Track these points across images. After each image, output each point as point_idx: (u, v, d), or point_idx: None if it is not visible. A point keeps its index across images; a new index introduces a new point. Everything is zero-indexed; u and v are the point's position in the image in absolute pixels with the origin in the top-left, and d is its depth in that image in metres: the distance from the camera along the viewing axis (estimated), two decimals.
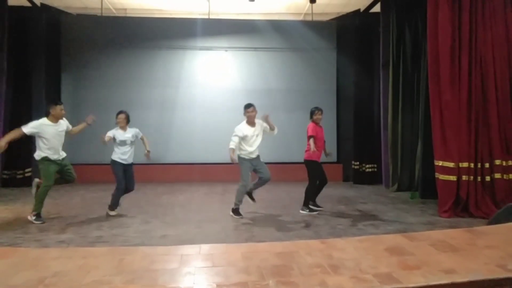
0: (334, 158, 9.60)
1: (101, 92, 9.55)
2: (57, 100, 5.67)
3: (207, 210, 6.27)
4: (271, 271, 2.39)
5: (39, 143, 5.49)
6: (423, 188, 7.12)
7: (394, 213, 5.99)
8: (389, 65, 8.39)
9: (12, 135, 5.42)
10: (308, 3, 9.37)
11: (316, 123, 6.08)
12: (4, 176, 8.47)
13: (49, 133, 5.47)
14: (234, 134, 5.85)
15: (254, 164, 5.91)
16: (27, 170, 8.70)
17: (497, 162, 5.76)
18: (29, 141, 8.81)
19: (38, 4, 9.10)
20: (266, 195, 7.70)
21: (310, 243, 3.09)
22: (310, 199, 6.12)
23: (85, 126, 5.90)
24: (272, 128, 5.99)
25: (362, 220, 5.55)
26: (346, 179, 9.81)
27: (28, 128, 5.41)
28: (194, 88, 9.96)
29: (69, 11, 9.72)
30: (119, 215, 5.73)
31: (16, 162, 8.62)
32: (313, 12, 9.81)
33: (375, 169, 9.33)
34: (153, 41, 9.86)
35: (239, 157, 5.86)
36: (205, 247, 2.93)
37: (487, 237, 3.09)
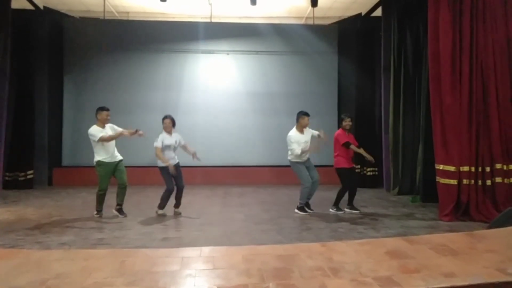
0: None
1: (103, 95, 9.58)
2: (103, 106, 5.88)
3: (208, 213, 6.28)
4: (272, 273, 2.40)
5: (97, 148, 5.72)
6: (424, 191, 7.12)
7: (394, 217, 5.99)
8: (390, 69, 8.41)
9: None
10: (310, 7, 9.40)
11: (345, 129, 6.25)
12: (6, 178, 8.49)
13: (106, 133, 5.69)
14: (291, 142, 6.13)
15: (306, 165, 6.22)
16: (29, 172, 8.74)
17: (498, 166, 5.76)
18: (30, 144, 8.88)
19: (41, 8, 9.16)
20: (268, 198, 7.71)
21: (311, 246, 3.10)
22: (340, 199, 6.28)
23: (126, 135, 5.93)
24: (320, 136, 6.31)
25: (362, 223, 5.55)
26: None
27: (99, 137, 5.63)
28: (196, 91, 9.99)
29: (71, 14, 9.77)
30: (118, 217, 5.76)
31: (18, 164, 8.66)
32: (315, 15, 9.84)
33: (376, 173, 9.32)
34: (155, 44, 9.90)
35: (292, 162, 6.16)
36: (206, 250, 2.95)
37: (487, 241, 3.09)
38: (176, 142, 6.01)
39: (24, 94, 8.80)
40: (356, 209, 6.31)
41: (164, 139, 5.88)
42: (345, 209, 6.29)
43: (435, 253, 2.79)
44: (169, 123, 5.97)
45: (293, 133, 6.21)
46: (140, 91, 9.78)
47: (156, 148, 5.82)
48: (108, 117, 5.87)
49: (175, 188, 5.98)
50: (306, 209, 6.23)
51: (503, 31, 5.89)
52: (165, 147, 5.88)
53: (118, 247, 4.31)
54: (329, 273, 2.40)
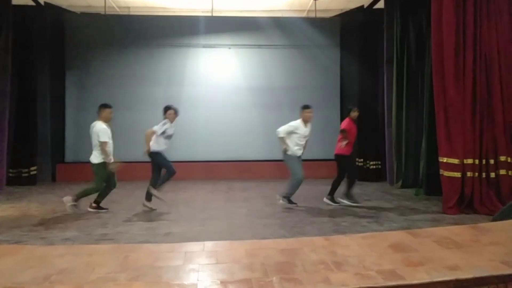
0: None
1: (105, 90, 9.57)
2: (107, 103, 5.89)
3: (211, 208, 6.29)
4: (275, 267, 2.39)
5: (98, 146, 5.69)
6: (427, 184, 7.09)
7: (398, 210, 5.98)
8: (393, 62, 8.35)
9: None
10: (311, 0, 9.34)
11: (353, 120, 6.37)
12: (10, 175, 8.52)
13: (108, 135, 5.76)
14: (288, 126, 6.17)
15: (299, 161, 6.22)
16: (32, 168, 8.76)
17: (502, 158, 5.73)
18: (33, 140, 8.90)
19: (42, 3, 9.13)
20: (270, 193, 7.70)
21: (314, 240, 3.09)
22: (334, 190, 6.34)
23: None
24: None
25: (366, 217, 5.54)
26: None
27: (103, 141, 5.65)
28: (198, 85, 9.96)
29: (72, 9, 9.74)
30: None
31: (22, 160, 8.67)
32: (317, 8, 9.76)
33: (379, 166, 9.30)
34: (156, 39, 9.87)
35: (287, 155, 6.14)
36: (209, 244, 2.94)
37: (491, 234, 3.08)
38: (174, 131, 6.12)
39: (26, 90, 8.80)
40: (357, 202, 6.29)
41: (167, 128, 5.96)
42: (340, 199, 6.31)
43: (439, 246, 2.78)
44: (174, 113, 6.05)
45: (295, 123, 6.22)
46: (142, 86, 9.77)
47: (151, 130, 5.89)
48: (111, 115, 5.87)
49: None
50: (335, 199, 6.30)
51: (507, 23, 5.83)
52: (167, 137, 5.98)
53: (122, 242, 4.32)
54: (332, 267, 2.39)
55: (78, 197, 5.78)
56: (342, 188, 6.39)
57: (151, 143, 5.95)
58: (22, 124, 8.73)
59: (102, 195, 5.95)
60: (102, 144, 5.64)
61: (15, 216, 5.66)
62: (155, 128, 5.93)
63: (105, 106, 5.85)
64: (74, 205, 5.73)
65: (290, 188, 6.17)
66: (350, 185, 6.33)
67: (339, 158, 6.31)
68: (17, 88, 8.64)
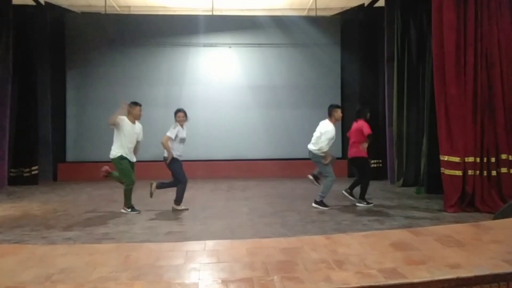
0: (339, 154, 9.58)
1: (105, 89, 9.59)
2: (136, 101, 5.85)
3: (212, 207, 6.29)
4: (276, 266, 2.39)
5: (118, 139, 5.62)
6: (428, 183, 7.08)
7: (399, 209, 5.98)
8: (394, 60, 8.34)
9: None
10: None
11: (367, 121, 6.30)
12: (11, 174, 8.54)
13: (127, 130, 5.65)
14: (325, 134, 5.87)
15: None
16: (33, 168, 8.77)
17: (503, 156, 5.71)
18: (34, 140, 8.91)
19: (43, 3, 9.14)
20: (271, 191, 7.71)
21: (315, 239, 3.09)
22: (365, 193, 6.24)
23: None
24: None
25: (367, 215, 5.54)
26: (351, 175, 9.75)
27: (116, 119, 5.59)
28: (198, 85, 9.97)
29: (73, 9, 9.75)
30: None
31: (23, 160, 8.69)
32: (317, 7, 9.76)
33: (381, 165, 9.30)
34: (157, 38, 9.87)
35: (319, 156, 5.96)
36: (210, 243, 2.95)
37: (493, 232, 3.07)
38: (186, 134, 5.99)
39: (27, 90, 8.81)
40: (355, 198, 6.28)
41: (179, 132, 5.83)
42: (343, 192, 6.28)
43: (441, 244, 2.77)
44: (183, 116, 5.92)
45: (330, 127, 5.93)
46: (143, 86, 9.76)
47: (167, 137, 5.74)
48: (141, 113, 5.83)
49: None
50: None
51: (508, 21, 5.81)
52: (181, 140, 5.85)
53: (123, 241, 4.32)
54: (333, 266, 2.39)
55: (127, 203, 5.74)
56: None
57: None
58: (23, 124, 8.75)
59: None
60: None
61: (16, 216, 5.66)
62: (169, 134, 5.78)
63: (135, 103, 5.79)
64: (133, 210, 5.72)
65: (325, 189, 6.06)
66: (357, 184, 6.27)
67: (360, 160, 6.20)
68: (18, 88, 8.65)
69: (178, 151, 5.84)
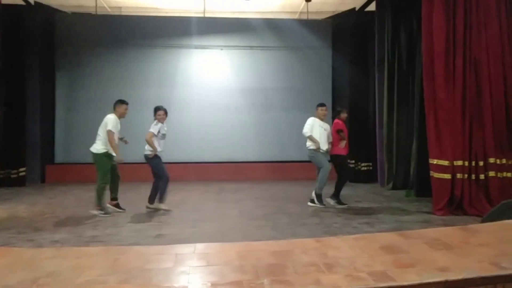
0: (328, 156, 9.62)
1: (96, 91, 9.51)
2: (123, 99, 5.91)
3: (203, 209, 6.26)
4: (266, 270, 2.38)
5: (104, 136, 5.58)
6: (418, 186, 7.15)
7: (389, 212, 6.01)
8: (384, 64, 8.41)
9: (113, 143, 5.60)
10: (304, 2, 9.38)
11: (342, 121, 6.44)
12: None
13: (117, 129, 5.69)
14: (305, 126, 6.27)
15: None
16: (21, 169, 8.66)
17: (491, 160, 5.79)
18: (22, 141, 8.79)
19: (32, 2, 9.05)
20: (262, 194, 7.70)
21: (305, 242, 3.09)
22: (339, 192, 6.30)
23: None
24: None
25: (357, 218, 5.56)
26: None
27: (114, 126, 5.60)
28: (190, 86, 9.95)
29: (63, 9, 9.67)
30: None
31: (10, 161, 8.58)
32: (309, 10, 9.81)
33: (371, 168, 9.36)
34: (148, 39, 9.83)
35: (313, 151, 6.16)
36: (200, 246, 2.92)
37: (481, 235, 3.10)
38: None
39: (15, 91, 8.71)
40: (345, 203, 6.28)
41: (161, 128, 5.91)
42: (327, 199, 6.26)
43: (429, 247, 2.79)
44: (163, 114, 6.00)
45: (310, 120, 6.32)
46: (133, 87, 9.71)
47: (150, 133, 5.81)
48: (127, 111, 5.88)
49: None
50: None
51: (496, 27, 5.90)
52: (162, 137, 5.92)
53: (111, 244, 4.27)
54: (323, 269, 2.39)
55: (99, 203, 5.66)
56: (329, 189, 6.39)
57: (146, 146, 5.89)
58: (11, 125, 8.64)
59: (113, 189, 5.89)
60: (109, 133, 5.55)
61: (3, 218, 5.58)
62: (152, 130, 5.86)
63: (122, 102, 5.84)
64: (104, 212, 5.64)
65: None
66: (340, 186, 6.32)
67: (337, 158, 6.30)
68: (6, 88, 8.54)
69: (159, 147, 5.92)
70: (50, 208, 6.29)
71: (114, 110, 5.79)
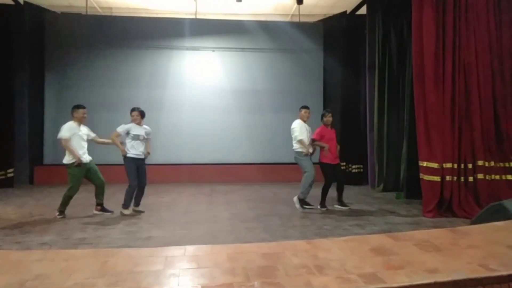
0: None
1: (85, 92, 9.42)
2: (80, 104, 5.81)
3: (194, 211, 6.24)
4: (257, 272, 2.38)
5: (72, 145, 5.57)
6: (408, 188, 7.20)
7: (379, 213, 6.05)
8: (375, 67, 8.47)
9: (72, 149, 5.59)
10: (295, 4, 9.41)
11: (326, 125, 6.32)
12: None
13: (73, 134, 5.61)
14: (292, 131, 6.27)
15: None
16: (9, 170, 8.55)
17: (480, 163, 5.86)
18: (10, 142, 8.67)
19: (22, 2, 8.95)
20: (253, 195, 7.69)
21: (296, 244, 3.09)
22: (324, 198, 6.26)
23: (109, 144, 5.89)
24: None
25: (348, 220, 5.58)
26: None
27: (65, 133, 5.56)
28: (181, 88, 9.91)
29: (53, 9, 9.58)
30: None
31: None
32: (300, 13, 9.85)
33: (361, 170, 9.40)
34: (139, 41, 9.78)
35: (296, 152, 6.15)
36: (190, 249, 2.91)
37: (470, 237, 3.13)
38: (145, 133, 5.94)
39: (3, 91, 8.59)
40: (346, 206, 6.33)
41: (131, 128, 5.80)
42: (335, 206, 6.31)
43: (419, 249, 2.81)
44: (137, 115, 5.89)
45: (295, 124, 6.30)
46: (124, 88, 9.64)
47: (115, 132, 5.75)
48: (85, 115, 5.77)
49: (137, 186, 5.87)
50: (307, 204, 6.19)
51: (485, 31, 5.98)
52: (134, 137, 5.79)
53: (100, 246, 4.23)
54: (314, 271, 2.39)
55: (61, 207, 5.64)
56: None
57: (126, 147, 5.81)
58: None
59: (99, 195, 5.84)
60: (61, 141, 5.53)
61: None
62: (118, 128, 5.78)
63: (78, 106, 5.75)
64: (61, 216, 5.60)
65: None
66: (326, 190, 6.27)
67: (322, 165, 6.22)
68: None
69: (134, 150, 5.78)
70: (38, 209, 6.21)
71: (72, 117, 5.71)
